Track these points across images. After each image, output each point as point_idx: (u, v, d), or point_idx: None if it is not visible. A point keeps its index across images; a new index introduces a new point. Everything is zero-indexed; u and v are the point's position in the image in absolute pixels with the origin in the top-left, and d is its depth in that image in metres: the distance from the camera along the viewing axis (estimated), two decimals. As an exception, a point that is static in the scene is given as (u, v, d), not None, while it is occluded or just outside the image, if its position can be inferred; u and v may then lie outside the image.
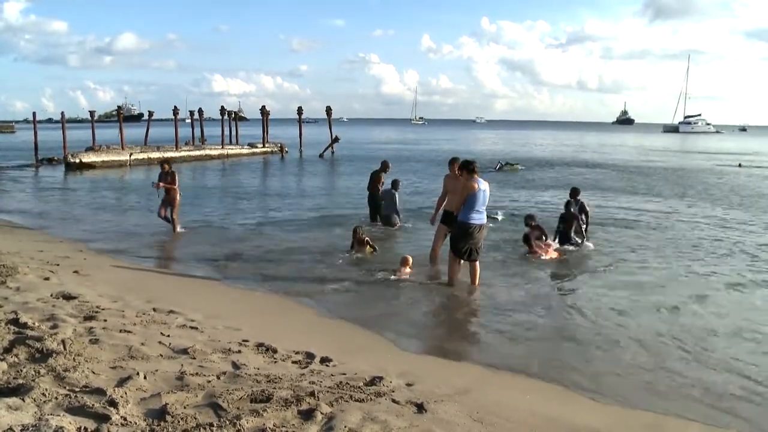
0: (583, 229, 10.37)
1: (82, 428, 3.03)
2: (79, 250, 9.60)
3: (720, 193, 19.29)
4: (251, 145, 37.63)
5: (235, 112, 42.88)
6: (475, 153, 38.49)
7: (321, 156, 35.72)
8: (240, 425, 3.17)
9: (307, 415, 3.43)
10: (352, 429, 3.31)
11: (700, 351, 5.50)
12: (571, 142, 63.83)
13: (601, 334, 5.95)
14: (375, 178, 12.36)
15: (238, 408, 3.46)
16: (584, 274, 8.67)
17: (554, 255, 9.40)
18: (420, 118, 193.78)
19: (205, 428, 3.13)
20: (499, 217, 12.71)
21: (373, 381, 4.20)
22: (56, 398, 3.32)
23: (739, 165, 31.31)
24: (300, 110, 41.22)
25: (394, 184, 12.08)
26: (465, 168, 7.67)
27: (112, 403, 3.31)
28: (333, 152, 36.97)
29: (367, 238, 9.38)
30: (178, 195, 11.20)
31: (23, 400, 3.24)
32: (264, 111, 38.72)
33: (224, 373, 4.15)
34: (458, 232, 7.54)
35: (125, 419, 3.19)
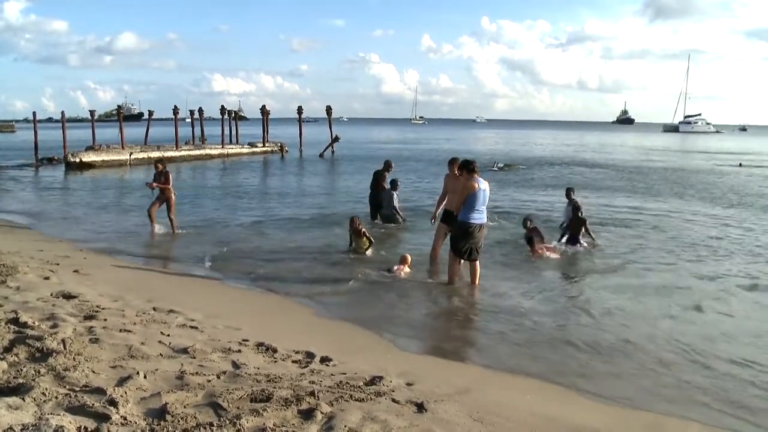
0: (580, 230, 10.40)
1: (82, 428, 3.03)
2: (79, 250, 9.61)
3: (720, 192, 19.27)
4: (251, 145, 37.61)
5: (235, 112, 42.85)
6: (475, 153, 38.51)
7: (321, 155, 35.71)
8: (240, 425, 3.17)
9: (307, 415, 3.43)
10: (352, 428, 3.31)
11: (702, 351, 5.49)
12: (571, 142, 63.81)
13: (602, 335, 5.95)
14: (379, 178, 12.42)
15: (238, 407, 3.46)
16: (585, 274, 8.68)
17: (555, 255, 9.41)
18: (420, 117, 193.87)
19: (205, 428, 3.13)
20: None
21: (373, 381, 4.20)
22: (56, 398, 3.33)
23: (740, 165, 31.30)
24: (300, 110, 41.19)
25: (393, 184, 12.14)
26: (465, 168, 7.67)
27: (112, 403, 3.31)
28: (333, 152, 36.96)
29: (363, 230, 9.37)
30: (172, 195, 11.13)
31: (23, 399, 3.24)
32: (264, 110, 38.69)
33: (224, 372, 4.15)
34: (458, 231, 7.54)
35: (125, 419, 3.19)
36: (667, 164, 32.53)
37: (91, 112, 36.25)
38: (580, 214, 10.05)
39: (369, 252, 9.25)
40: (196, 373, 4.08)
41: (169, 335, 5.03)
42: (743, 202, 16.90)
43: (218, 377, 4.03)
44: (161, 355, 4.45)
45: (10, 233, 11.12)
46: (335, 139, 37.68)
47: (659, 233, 11.71)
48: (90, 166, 25.77)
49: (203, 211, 14.23)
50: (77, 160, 25.77)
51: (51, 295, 6.13)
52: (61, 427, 2.94)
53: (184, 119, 38.17)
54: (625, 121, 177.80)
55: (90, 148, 28.68)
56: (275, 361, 4.65)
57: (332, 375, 4.33)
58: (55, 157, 28.63)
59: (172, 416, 3.25)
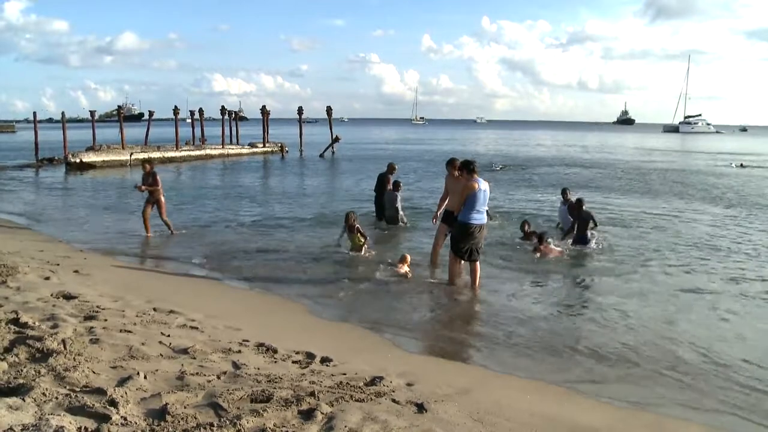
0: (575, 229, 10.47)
1: (83, 428, 3.03)
2: (80, 250, 9.61)
3: (720, 192, 19.26)
4: (252, 145, 37.64)
5: (235, 112, 42.88)
6: (475, 153, 38.51)
7: (321, 156, 35.72)
8: (240, 425, 3.17)
9: (308, 415, 3.43)
10: (352, 429, 3.31)
11: (704, 352, 5.49)
12: (571, 142, 63.82)
13: (602, 335, 5.94)
14: (384, 180, 12.48)
15: (238, 408, 3.46)
16: (586, 274, 8.68)
17: (557, 253, 9.47)
18: (421, 117, 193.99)
19: (205, 428, 3.13)
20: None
21: (374, 381, 4.20)
22: (56, 398, 3.33)
23: (741, 165, 31.29)
24: (300, 110, 41.20)
25: (396, 185, 12.16)
26: (465, 168, 7.67)
27: (113, 403, 3.32)
28: (333, 152, 36.98)
29: (358, 226, 9.36)
30: (162, 196, 11.02)
31: (23, 399, 3.24)
32: (264, 111, 38.70)
33: (224, 372, 4.15)
34: (459, 232, 7.54)
35: (125, 419, 3.19)
36: (667, 164, 32.53)
37: (92, 113, 36.35)
38: (582, 213, 10.08)
39: (365, 252, 9.24)
40: (197, 373, 4.08)
41: (169, 336, 5.03)
42: (744, 201, 16.89)
43: (218, 378, 4.03)
44: (161, 355, 4.45)
45: (11, 233, 11.13)
46: (335, 140, 37.69)
47: (660, 233, 11.71)
48: (90, 166, 25.77)
49: (203, 211, 14.25)
50: (78, 160, 25.78)
51: (51, 295, 6.13)
52: (62, 427, 2.94)
53: (184, 119, 38.17)
54: (625, 121, 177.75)
55: (90, 149, 28.71)
56: (275, 362, 4.65)
57: (332, 375, 4.33)
58: (56, 158, 28.64)
59: (173, 416, 3.25)
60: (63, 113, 33.21)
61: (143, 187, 10.99)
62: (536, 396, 4.41)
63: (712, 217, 13.99)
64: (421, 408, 3.72)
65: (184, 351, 4.61)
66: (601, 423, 3.97)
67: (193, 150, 32.87)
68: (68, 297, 6.12)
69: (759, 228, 12.63)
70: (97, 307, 5.79)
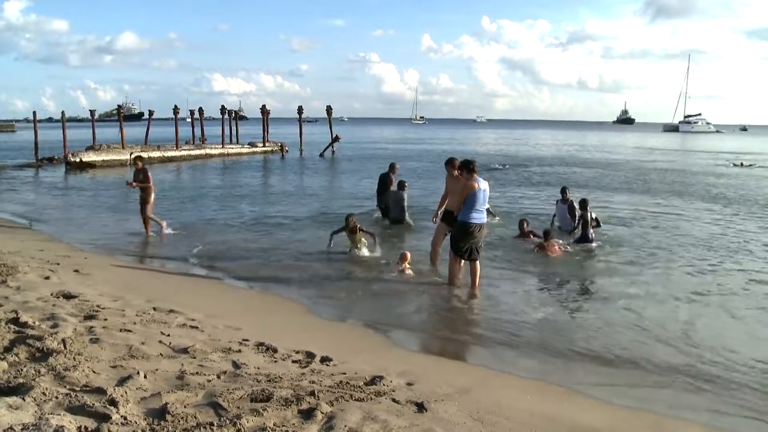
0: (575, 229, 10.54)
1: (83, 427, 3.03)
2: (80, 250, 9.61)
3: (719, 191, 19.26)
4: (252, 145, 37.63)
5: (235, 112, 42.86)
6: (474, 153, 38.51)
7: (321, 155, 35.71)
8: (240, 424, 3.17)
9: (308, 415, 3.43)
10: (352, 428, 3.31)
11: (705, 351, 5.49)
12: (571, 142, 63.81)
13: (603, 335, 5.94)
14: (386, 180, 12.49)
15: (238, 407, 3.46)
16: (587, 273, 8.68)
17: (559, 252, 9.53)
18: (421, 117, 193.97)
19: (205, 427, 3.13)
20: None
21: (374, 380, 4.20)
22: (56, 397, 3.32)
23: (741, 164, 31.28)
24: (300, 109, 41.19)
25: (401, 185, 12.12)
26: (465, 167, 7.66)
27: (113, 403, 3.31)
28: (333, 152, 36.97)
29: (359, 226, 9.36)
30: (152, 194, 10.99)
31: (23, 399, 3.24)
32: (264, 110, 38.69)
33: (224, 372, 4.15)
34: (458, 231, 7.54)
35: (125, 418, 3.19)
36: (668, 164, 32.52)
37: (92, 112, 36.34)
38: (585, 212, 10.11)
39: (365, 251, 9.22)
40: (197, 372, 4.08)
41: (169, 335, 5.03)
42: (744, 201, 16.89)
43: (218, 377, 4.03)
44: (161, 354, 4.45)
45: (11, 233, 11.13)
46: (335, 139, 37.68)
47: (660, 231, 11.72)
48: (90, 165, 25.76)
49: (204, 211, 14.24)
50: (78, 159, 25.77)
51: (51, 294, 6.13)
52: (62, 426, 2.94)
53: (184, 119, 38.18)
54: (625, 121, 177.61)
55: (90, 148, 28.68)
56: (275, 361, 4.65)
57: (332, 375, 4.33)
58: (56, 157, 28.63)
59: (173, 416, 3.25)
60: (63, 113, 33.20)
61: (134, 184, 11.05)
62: (536, 396, 4.41)
63: (712, 216, 13.98)
64: (421, 407, 3.72)
65: (184, 350, 4.61)
66: (601, 423, 3.97)
67: (193, 149, 32.86)
68: (68, 296, 6.12)
69: (761, 226, 12.64)
70: (97, 306, 5.79)
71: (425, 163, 30.28)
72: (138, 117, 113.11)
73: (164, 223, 11.22)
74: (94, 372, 3.85)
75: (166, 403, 3.38)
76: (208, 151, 33.48)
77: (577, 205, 10.77)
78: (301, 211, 14.31)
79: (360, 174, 24.16)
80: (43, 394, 3.33)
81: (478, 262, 7.63)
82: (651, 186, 20.98)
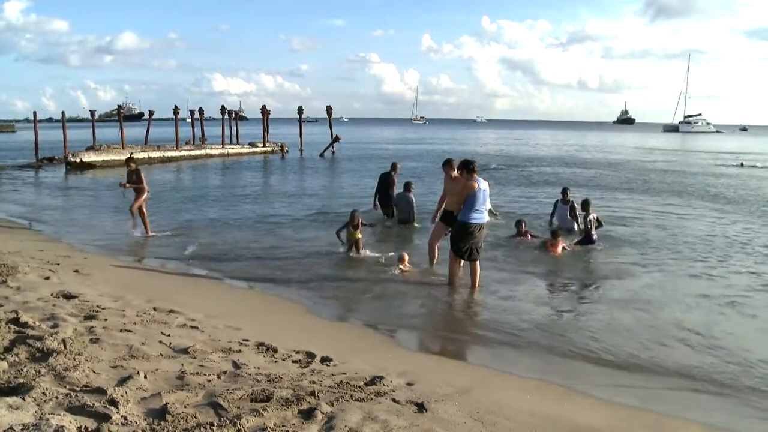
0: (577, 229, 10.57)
1: (83, 427, 3.03)
2: (80, 250, 9.61)
3: (718, 191, 19.25)
4: (252, 145, 37.62)
5: (235, 112, 42.86)
6: (474, 153, 38.50)
7: (321, 155, 35.71)
8: (240, 425, 3.17)
9: (308, 415, 3.43)
10: (352, 428, 3.31)
11: (706, 352, 5.49)
12: (571, 142, 63.80)
13: (603, 334, 5.93)
14: (389, 180, 12.50)
15: (238, 407, 3.46)
16: (587, 273, 8.68)
17: (562, 251, 9.57)
18: (421, 117, 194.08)
19: (205, 428, 3.13)
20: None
21: (374, 380, 4.20)
22: (57, 397, 3.33)
23: (741, 165, 31.27)
24: (300, 110, 41.18)
25: (407, 186, 12.08)
26: (465, 167, 7.66)
27: (113, 403, 3.32)
28: (333, 152, 36.97)
29: (362, 220, 9.35)
30: (144, 194, 11.01)
31: (24, 399, 3.24)
32: (264, 110, 38.69)
33: (224, 372, 4.16)
34: (458, 231, 7.54)
35: (126, 418, 3.19)
36: (668, 164, 32.51)
37: (92, 112, 36.33)
38: (588, 213, 10.13)
39: (363, 251, 9.21)
40: (197, 373, 4.08)
41: (169, 335, 5.03)
42: (744, 200, 16.89)
43: (219, 377, 4.03)
44: (161, 355, 4.45)
45: (11, 233, 11.12)
46: (336, 139, 37.68)
47: (661, 231, 11.72)
48: (90, 166, 25.75)
49: (204, 211, 14.24)
50: (78, 160, 25.76)
51: (51, 295, 6.13)
52: (62, 427, 2.94)
53: (184, 119, 38.17)
54: (625, 121, 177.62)
55: (90, 148, 28.67)
56: (275, 361, 4.65)
57: (332, 375, 4.33)
58: (56, 158, 28.63)
59: (173, 416, 3.25)
60: (63, 113, 33.20)
61: (127, 185, 11.10)
62: (536, 395, 4.41)
63: (713, 216, 13.97)
64: (421, 407, 3.72)
65: (184, 350, 4.61)
66: (601, 423, 3.97)
67: (193, 149, 32.85)
68: (68, 296, 6.12)
69: (763, 225, 12.64)
70: (98, 306, 5.79)
71: (425, 163, 30.24)
72: (138, 117, 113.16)
73: (134, 223, 11.19)
74: (94, 372, 3.85)
75: (166, 403, 3.38)
76: (208, 151, 33.47)
77: (578, 206, 10.76)
78: (301, 211, 14.31)
79: (360, 174, 24.15)
80: (44, 394, 3.33)
81: (477, 262, 7.62)
82: (651, 186, 20.98)
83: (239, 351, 4.78)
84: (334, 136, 37.82)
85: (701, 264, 9.09)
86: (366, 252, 9.23)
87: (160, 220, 12.24)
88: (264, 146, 37.59)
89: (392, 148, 46.76)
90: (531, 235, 10.46)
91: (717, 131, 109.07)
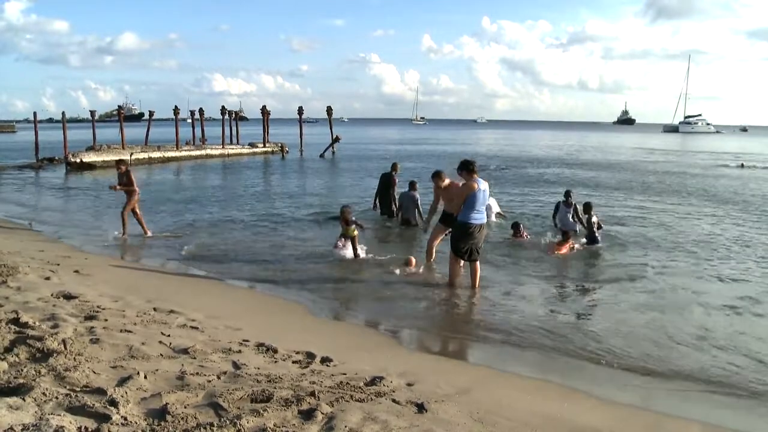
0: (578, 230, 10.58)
1: (83, 428, 3.03)
2: (80, 250, 9.61)
3: (719, 191, 19.26)
4: (252, 145, 37.61)
5: (235, 112, 42.85)
6: (475, 153, 38.50)
7: (322, 156, 35.71)
8: (240, 425, 3.17)
9: (308, 415, 3.42)
10: (352, 429, 3.31)
11: (706, 352, 5.49)
12: (572, 142, 63.79)
13: (603, 334, 5.93)
14: (390, 180, 12.48)
15: (238, 408, 3.46)
16: (588, 273, 8.68)
17: (568, 252, 9.63)
18: (421, 117, 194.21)
19: (205, 428, 3.13)
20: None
21: (374, 381, 4.20)
22: (57, 398, 3.32)
23: (742, 165, 31.25)
24: (301, 110, 41.19)
25: (412, 185, 12.05)
26: (465, 168, 7.65)
27: (113, 403, 3.31)
28: (334, 152, 36.96)
29: (353, 218, 9.35)
30: (135, 195, 10.95)
31: (24, 399, 3.24)
32: (264, 111, 38.69)
33: (225, 372, 4.15)
34: (458, 231, 7.54)
35: (126, 419, 3.19)
36: (668, 164, 32.51)
37: (92, 113, 36.32)
38: (590, 216, 10.18)
39: (361, 251, 9.20)
40: (197, 373, 4.08)
41: (169, 335, 5.03)
42: (745, 201, 16.88)
43: (219, 377, 4.03)
44: (162, 355, 4.45)
45: (11, 233, 11.13)
46: (336, 140, 37.68)
47: (662, 231, 11.72)
48: (91, 166, 25.76)
49: (204, 211, 14.23)
50: (78, 160, 25.77)
51: (51, 295, 6.13)
52: (62, 427, 2.94)
53: (184, 119, 38.17)
54: (625, 121, 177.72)
55: (90, 149, 28.69)
56: (276, 362, 4.65)
57: (333, 375, 4.33)
58: (56, 158, 28.63)
59: (173, 416, 3.25)
60: (63, 113, 33.21)
61: (118, 187, 11.06)
62: (537, 395, 4.41)
63: (713, 216, 13.98)
64: (421, 408, 3.72)
65: (185, 351, 4.61)
66: (601, 423, 3.96)
67: (193, 150, 32.86)
68: (68, 297, 6.12)
69: (764, 225, 12.64)
70: (98, 307, 5.79)
71: (426, 163, 30.26)
72: (138, 117, 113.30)
73: (125, 230, 10.92)
74: (94, 372, 3.85)
75: (167, 404, 3.38)
76: (208, 151, 33.47)
77: (581, 209, 10.77)
78: (301, 211, 14.31)
79: (360, 174, 24.16)
80: (44, 394, 3.33)
81: (478, 262, 7.62)
82: (651, 186, 20.98)
83: (239, 351, 4.78)
84: (334, 136, 37.82)
85: (702, 264, 9.08)
86: (363, 254, 9.18)
87: (160, 221, 12.25)
88: (264, 147, 37.59)
89: (393, 148, 46.75)
90: (527, 236, 10.57)
91: (717, 132, 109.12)
